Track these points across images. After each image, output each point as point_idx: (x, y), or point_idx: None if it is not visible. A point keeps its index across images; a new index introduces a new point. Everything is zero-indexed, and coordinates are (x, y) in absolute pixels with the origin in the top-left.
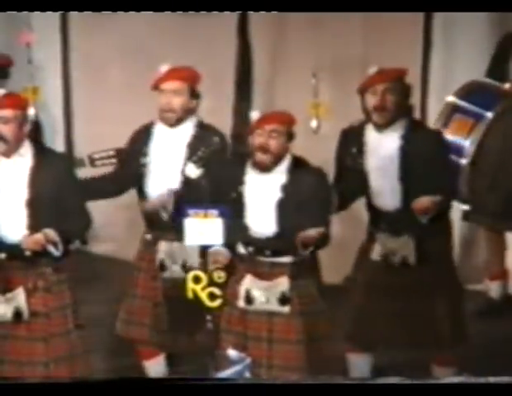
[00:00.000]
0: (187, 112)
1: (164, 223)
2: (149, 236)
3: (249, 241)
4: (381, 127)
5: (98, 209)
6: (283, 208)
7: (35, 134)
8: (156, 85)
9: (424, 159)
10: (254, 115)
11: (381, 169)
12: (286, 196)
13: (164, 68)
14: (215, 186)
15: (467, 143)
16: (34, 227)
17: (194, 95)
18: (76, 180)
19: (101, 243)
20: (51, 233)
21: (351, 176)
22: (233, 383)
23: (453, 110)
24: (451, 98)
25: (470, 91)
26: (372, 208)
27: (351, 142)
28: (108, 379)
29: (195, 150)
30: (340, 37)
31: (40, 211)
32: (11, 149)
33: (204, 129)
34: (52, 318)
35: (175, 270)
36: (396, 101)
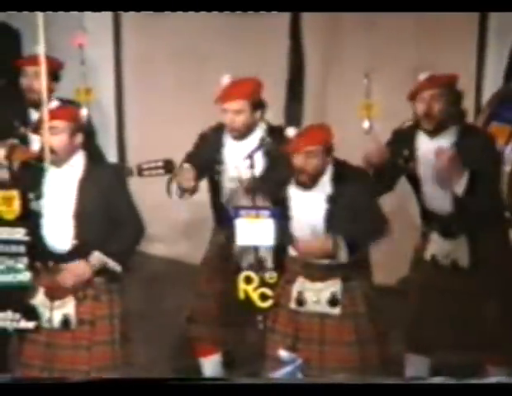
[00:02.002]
0: (252, 126)
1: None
2: (221, 236)
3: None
4: (431, 133)
5: (153, 209)
6: (332, 218)
7: (88, 141)
8: (218, 102)
9: (476, 164)
10: (290, 132)
11: (433, 176)
12: (333, 207)
13: (226, 80)
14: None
15: (508, 150)
16: (81, 237)
17: (258, 106)
18: (126, 189)
19: (157, 243)
20: (97, 258)
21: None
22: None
23: (490, 117)
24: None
25: (505, 98)
26: (424, 210)
27: (402, 144)
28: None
29: (262, 141)
30: (393, 37)
31: (88, 222)
32: (61, 160)
33: (274, 131)
34: (97, 326)
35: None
36: (445, 107)
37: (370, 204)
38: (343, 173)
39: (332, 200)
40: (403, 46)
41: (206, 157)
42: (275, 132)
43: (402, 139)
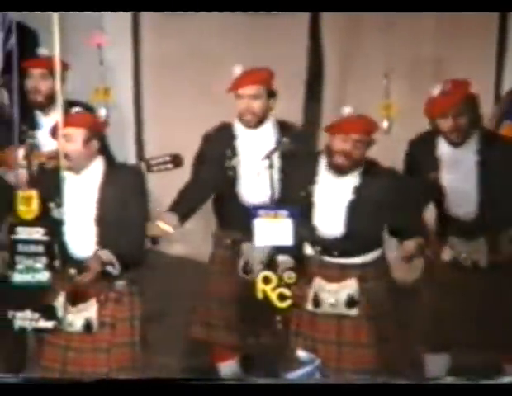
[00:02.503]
0: (267, 112)
1: (242, 225)
2: (228, 240)
3: (317, 240)
4: (457, 144)
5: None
6: (354, 210)
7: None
8: (233, 89)
9: (500, 168)
10: (345, 110)
11: (457, 184)
12: (358, 198)
13: (238, 71)
14: (285, 184)
15: None
16: (103, 243)
17: (271, 95)
18: (144, 193)
19: (174, 244)
20: (105, 254)
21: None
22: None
23: (503, 116)
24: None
25: None
26: (443, 214)
27: (422, 153)
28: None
29: (280, 140)
30: (412, 38)
31: (109, 227)
32: (76, 166)
33: (285, 128)
34: (118, 328)
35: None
36: (468, 118)
37: (398, 204)
38: (374, 169)
39: (358, 192)
40: (422, 46)
41: (214, 155)
42: (284, 126)
43: (421, 151)
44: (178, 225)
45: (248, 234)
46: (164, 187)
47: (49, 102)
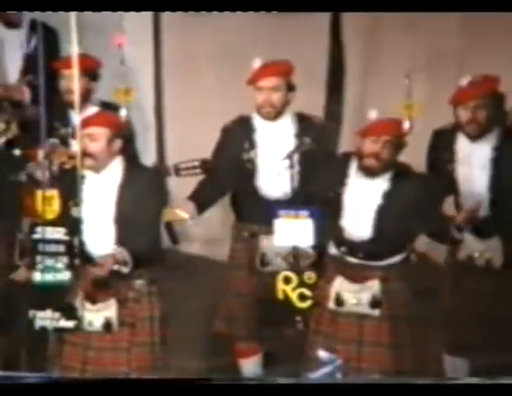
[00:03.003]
0: (285, 105)
1: (260, 218)
2: (245, 233)
3: (343, 241)
4: (474, 138)
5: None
6: (383, 213)
7: (127, 146)
8: (252, 82)
9: None
10: (372, 114)
11: (471, 178)
12: (387, 202)
13: (257, 63)
14: (311, 184)
15: None
16: (121, 242)
17: (290, 88)
18: (161, 194)
19: (192, 243)
20: (121, 253)
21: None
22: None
23: None
24: None
25: None
26: (458, 210)
27: (442, 146)
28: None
29: (301, 140)
30: (434, 37)
31: (127, 227)
32: (99, 165)
33: (305, 120)
34: (137, 328)
35: (278, 263)
36: (489, 114)
37: (426, 207)
38: (404, 173)
39: (387, 196)
40: (444, 46)
41: (232, 148)
42: (303, 119)
43: (442, 142)
44: (195, 214)
45: (265, 227)
46: (186, 189)
47: (82, 102)
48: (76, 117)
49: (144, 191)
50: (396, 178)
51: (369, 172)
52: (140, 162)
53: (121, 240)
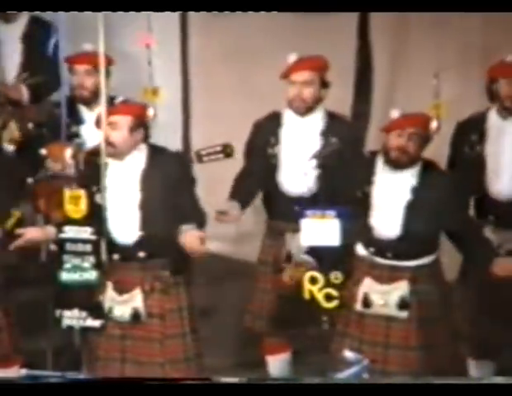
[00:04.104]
0: (317, 101)
1: (285, 214)
2: (274, 230)
3: (371, 242)
4: (508, 114)
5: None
6: (411, 211)
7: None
8: (286, 75)
9: None
10: (394, 113)
11: (500, 155)
12: (415, 199)
13: (293, 58)
14: (338, 184)
15: None
16: (147, 228)
17: (324, 84)
18: (190, 178)
19: (217, 242)
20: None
21: (467, 164)
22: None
23: None
24: None
25: None
26: (483, 199)
27: (470, 131)
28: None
29: (327, 139)
30: (463, 37)
31: (152, 212)
32: (120, 154)
33: (334, 119)
34: (167, 320)
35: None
36: None
37: (452, 204)
38: (431, 170)
39: (415, 192)
40: (472, 46)
41: (260, 143)
42: (334, 118)
43: (470, 127)
44: (241, 213)
45: (292, 224)
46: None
47: (93, 98)
48: (87, 113)
49: (169, 176)
50: (424, 173)
51: (396, 166)
52: (165, 147)
53: (146, 226)
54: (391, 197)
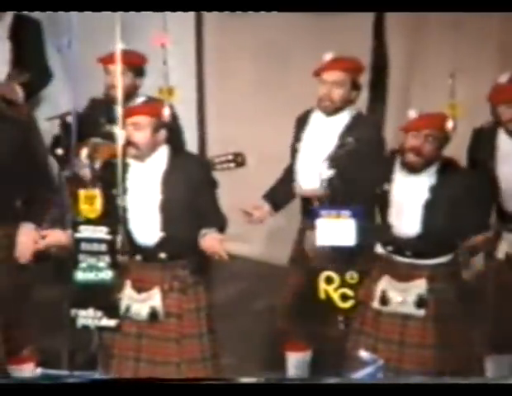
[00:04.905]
0: (346, 103)
1: (305, 213)
2: (301, 226)
3: (390, 240)
4: None
5: (235, 208)
6: (430, 209)
7: (173, 137)
8: (318, 73)
9: None
10: (412, 113)
11: (511, 176)
12: (434, 198)
13: (328, 57)
14: (354, 184)
15: None
16: (168, 229)
17: (355, 86)
18: (211, 181)
19: (237, 243)
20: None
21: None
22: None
23: None
24: None
25: None
26: (500, 209)
27: (482, 144)
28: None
29: (344, 139)
30: (478, 38)
31: (173, 214)
32: (143, 154)
33: (358, 120)
34: (184, 320)
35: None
36: None
37: (472, 203)
38: (450, 168)
39: (434, 191)
40: (487, 46)
41: (293, 139)
42: (361, 118)
43: (483, 139)
44: (268, 214)
45: (310, 222)
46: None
47: (127, 97)
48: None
49: (191, 178)
50: (443, 172)
51: (411, 169)
52: (187, 149)
53: (167, 227)
54: (409, 196)
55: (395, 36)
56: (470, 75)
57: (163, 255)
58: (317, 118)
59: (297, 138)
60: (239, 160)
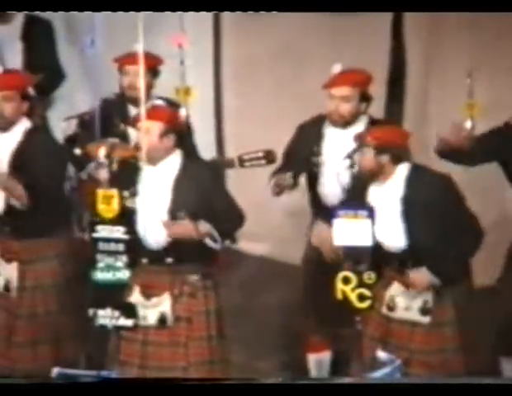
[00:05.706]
0: (356, 115)
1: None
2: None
3: (386, 254)
4: None
5: (250, 208)
6: (408, 219)
7: (184, 141)
8: (326, 86)
9: None
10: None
11: None
12: (408, 207)
13: (337, 69)
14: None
15: None
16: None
17: (365, 98)
18: (223, 187)
19: (251, 243)
20: (206, 226)
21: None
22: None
23: None
24: None
25: None
26: None
27: (501, 140)
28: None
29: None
30: (496, 37)
31: (182, 218)
32: (152, 158)
33: (373, 124)
34: (194, 322)
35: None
36: None
37: (448, 210)
38: (421, 175)
39: (406, 200)
40: (505, 46)
41: (303, 149)
42: (374, 123)
43: (500, 135)
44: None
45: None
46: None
47: (144, 98)
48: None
49: (202, 185)
50: (413, 180)
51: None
52: (199, 156)
53: None
54: (385, 210)
55: (413, 36)
56: (488, 75)
57: (169, 259)
58: (333, 132)
59: (314, 152)
60: (270, 157)
